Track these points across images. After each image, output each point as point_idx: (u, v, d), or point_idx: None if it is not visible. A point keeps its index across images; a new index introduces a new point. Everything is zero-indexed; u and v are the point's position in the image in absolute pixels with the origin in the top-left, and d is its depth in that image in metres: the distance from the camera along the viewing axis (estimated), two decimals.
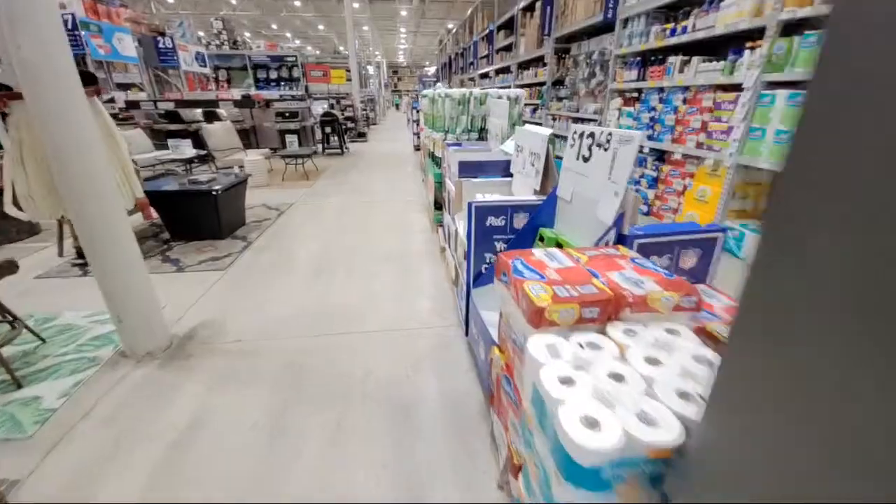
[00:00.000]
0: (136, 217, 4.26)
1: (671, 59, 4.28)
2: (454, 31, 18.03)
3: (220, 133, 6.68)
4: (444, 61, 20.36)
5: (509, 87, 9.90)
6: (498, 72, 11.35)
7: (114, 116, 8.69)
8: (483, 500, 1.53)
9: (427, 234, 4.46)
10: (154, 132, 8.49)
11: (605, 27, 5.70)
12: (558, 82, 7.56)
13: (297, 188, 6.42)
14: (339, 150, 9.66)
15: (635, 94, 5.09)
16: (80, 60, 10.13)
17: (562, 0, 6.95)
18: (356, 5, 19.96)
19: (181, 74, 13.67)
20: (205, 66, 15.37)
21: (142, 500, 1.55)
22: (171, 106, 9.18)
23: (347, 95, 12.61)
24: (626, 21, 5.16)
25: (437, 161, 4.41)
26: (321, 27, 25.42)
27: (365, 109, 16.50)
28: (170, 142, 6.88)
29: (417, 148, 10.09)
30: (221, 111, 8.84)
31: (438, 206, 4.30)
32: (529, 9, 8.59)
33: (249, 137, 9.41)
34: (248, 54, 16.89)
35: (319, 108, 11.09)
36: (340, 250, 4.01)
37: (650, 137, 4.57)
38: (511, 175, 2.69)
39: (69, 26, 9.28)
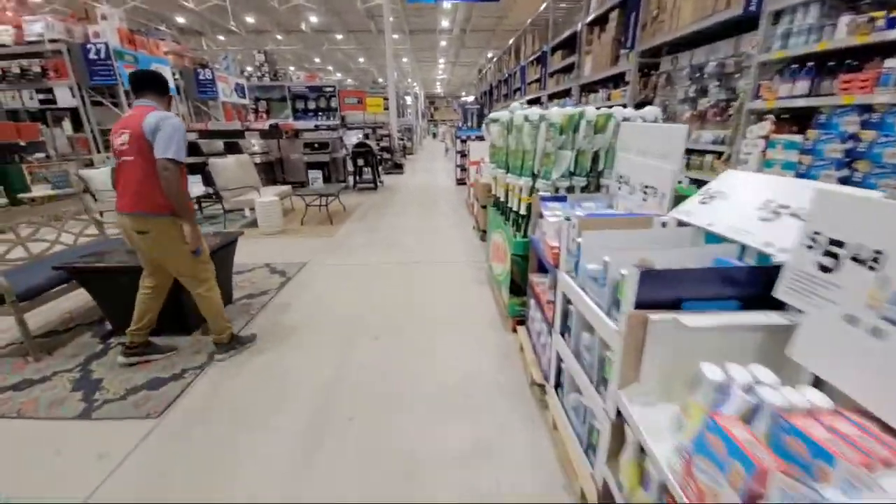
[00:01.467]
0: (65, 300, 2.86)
1: (891, 62, 2.54)
2: (497, 57, 16.87)
3: (231, 168, 5.42)
4: (484, 90, 19.20)
5: None
6: (552, 96, 9.83)
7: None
8: None
9: (498, 331, 2.81)
10: None
11: (716, 33, 4.11)
12: (642, 104, 5.87)
13: (316, 237, 4.99)
14: (372, 185, 8.33)
15: (790, 115, 3.35)
16: (106, 90, 9.46)
17: (654, 3, 5.36)
18: (396, 36, 19.33)
19: (219, 105, 13.02)
20: (244, 97, 14.78)
21: None
22: (194, 136, 8.19)
23: (384, 125, 11.44)
24: (777, 15, 3.48)
25: (508, 214, 2.84)
26: (361, 60, 25.12)
27: (402, 139, 15.40)
28: None
29: (461, 182, 8.63)
30: (250, 142, 7.76)
31: (516, 287, 2.69)
32: (599, 22, 7.06)
33: (275, 171, 8.24)
34: (287, 85, 16.25)
35: (354, 138, 9.91)
36: (366, 379, 2.38)
37: (846, 180, 2.81)
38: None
39: (102, 55, 8.59)
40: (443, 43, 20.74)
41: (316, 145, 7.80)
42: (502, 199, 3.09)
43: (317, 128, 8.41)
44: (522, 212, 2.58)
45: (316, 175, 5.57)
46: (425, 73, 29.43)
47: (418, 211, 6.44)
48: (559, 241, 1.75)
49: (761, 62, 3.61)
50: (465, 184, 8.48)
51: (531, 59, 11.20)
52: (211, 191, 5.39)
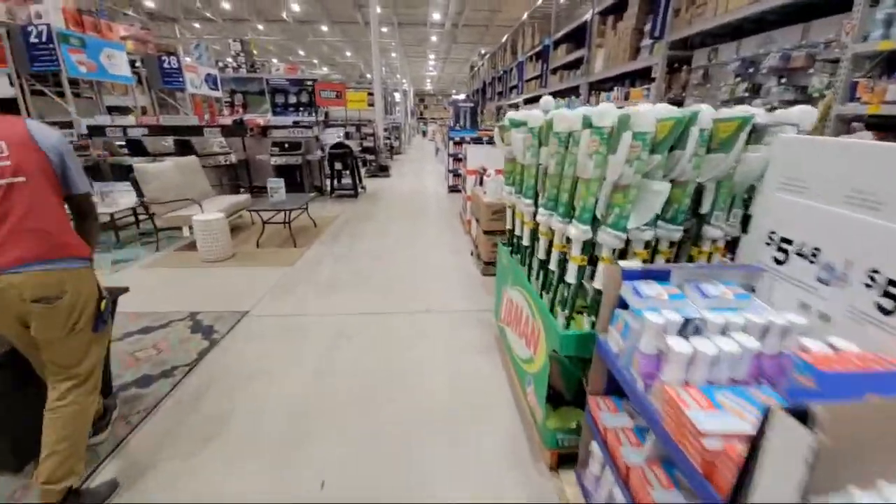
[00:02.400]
0: None
1: None
2: (490, 53, 15.77)
3: (167, 175, 4.22)
4: (476, 87, 18.09)
5: None
6: (556, 95, 8.79)
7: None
8: None
9: (523, 466, 1.71)
10: (112, 168, 6.21)
11: (772, 20, 3.16)
12: (671, 104, 4.85)
13: (271, 265, 3.85)
14: (352, 192, 7.16)
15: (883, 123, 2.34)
16: (48, 77, 8.08)
17: None
18: (384, 29, 18.06)
19: (187, 98, 11.64)
20: (216, 89, 13.38)
21: None
22: (143, 132, 6.92)
23: (369, 123, 10.25)
24: None
25: (540, 271, 1.78)
26: (348, 53, 23.73)
27: (389, 138, 14.21)
28: (98, 186, 4.46)
29: (454, 189, 7.54)
30: (209, 141, 6.52)
31: (556, 395, 1.61)
32: (615, 10, 6.03)
33: (239, 175, 7.02)
34: (265, 77, 14.85)
35: (334, 137, 8.72)
36: None
37: None
38: None
39: (42, 38, 7.23)
40: (433, 38, 19.53)
41: (286, 145, 6.61)
42: (526, 244, 2.01)
43: (295, 125, 7.21)
44: (570, 278, 1.52)
45: (277, 184, 4.39)
46: (415, 69, 28.15)
47: (403, 227, 5.32)
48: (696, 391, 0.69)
49: (862, 54, 2.61)
50: (458, 191, 7.38)
51: (530, 53, 10.12)
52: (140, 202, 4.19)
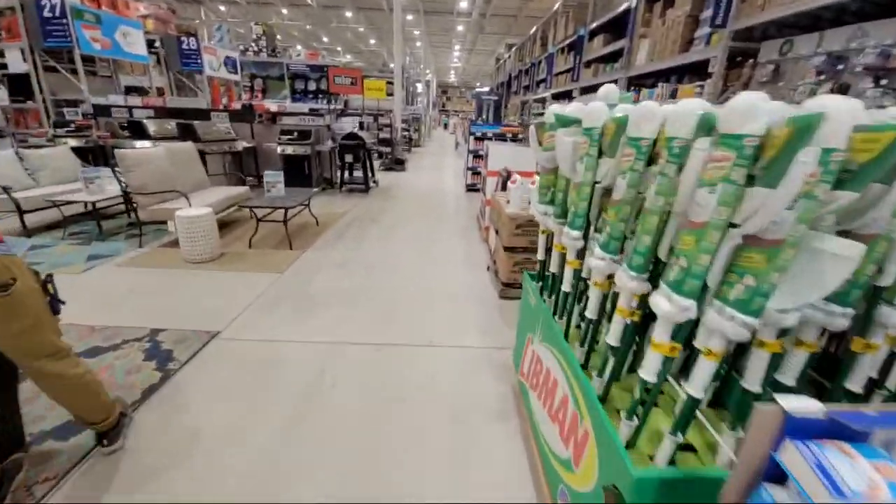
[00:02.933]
0: None
1: None
2: (517, 45, 14.97)
3: (155, 163, 3.76)
4: (501, 80, 17.31)
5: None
6: (585, 90, 8.07)
7: (65, 126, 6.06)
8: None
9: None
10: (113, 151, 5.85)
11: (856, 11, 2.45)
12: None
13: (260, 271, 3.36)
14: (362, 186, 6.65)
15: None
16: (62, 54, 7.79)
17: None
18: (409, 17, 17.40)
19: (205, 80, 11.31)
20: (235, 72, 13.04)
21: None
22: (149, 114, 6.55)
23: (388, 113, 9.71)
24: None
25: (586, 338, 1.22)
26: (373, 41, 23.17)
27: (407, 129, 13.63)
28: (81, 172, 4.04)
29: (472, 189, 6.94)
30: (216, 126, 6.09)
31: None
32: None
33: (245, 164, 6.58)
34: (286, 62, 14.41)
35: (349, 126, 8.22)
36: None
37: None
38: None
39: (56, 13, 6.93)
40: (460, 27, 18.77)
41: (295, 134, 6.12)
42: (567, 290, 1.43)
43: (313, 112, 6.68)
44: (648, 374, 0.95)
45: (274, 178, 3.88)
46: (439, 59, 27.39)
47: (413, 231, 4.78)
48: None
49: None
50: (476, 190, 6.78)
51: (562, 45, 9.35)
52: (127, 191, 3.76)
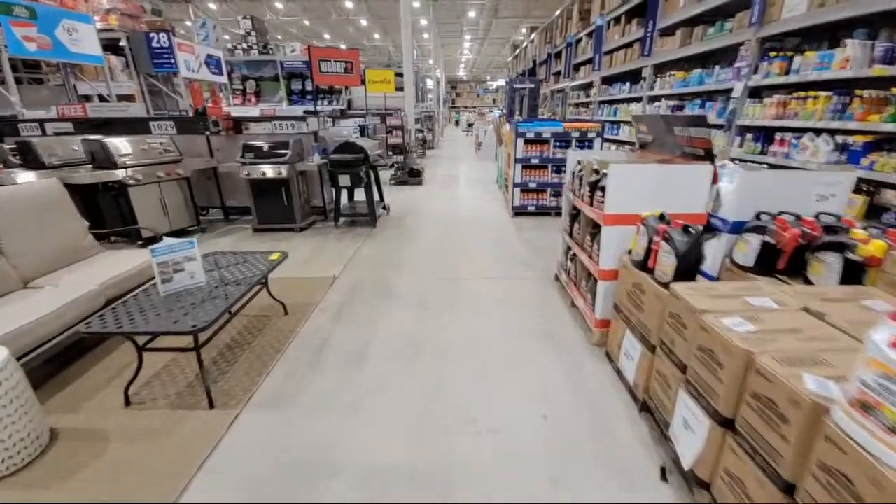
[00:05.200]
0: None
1: None
2: (543, 27, 12.58)
3: None
4: (523, 69, 14.93)
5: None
6: (661, 69, 5.81)
7: None
8: None
9: None
10: None
11: None
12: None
13: None
14: (366, 217, 4.53)
15: None
16: None
17: None
18: (416, 4, 15.15)
19: (182, 83, 9.27)
20: (219, 73, 10.94)
21: None
22: (68, 127, 4.56)
23: (397, 112, 7.55)
24: None
25: None
26: (377, 36, 20.97)
27: (421, 130, 11.45)
28: None
29: (522, 212, 4.76)
30: (158, 141, 4.06)
31: None
32: None
33: (195, 195, 4.52)
34: (279, 60, 12.34)
35: (346, 130, 6.11)
36: None
37: None
38: None
39: None
40: (471, 13, 16.43)
41: (265, 148, 4.03)
42: None
43: (313, 115, 4.55)
44: None
45: (173, 252, 1.79)
46: (447, 52, 25.02)
47: (450, 312, 2.65)
48: None
49: None
50: (528, 214, 4.63)
51: (617, 11, 7.07)
52: None
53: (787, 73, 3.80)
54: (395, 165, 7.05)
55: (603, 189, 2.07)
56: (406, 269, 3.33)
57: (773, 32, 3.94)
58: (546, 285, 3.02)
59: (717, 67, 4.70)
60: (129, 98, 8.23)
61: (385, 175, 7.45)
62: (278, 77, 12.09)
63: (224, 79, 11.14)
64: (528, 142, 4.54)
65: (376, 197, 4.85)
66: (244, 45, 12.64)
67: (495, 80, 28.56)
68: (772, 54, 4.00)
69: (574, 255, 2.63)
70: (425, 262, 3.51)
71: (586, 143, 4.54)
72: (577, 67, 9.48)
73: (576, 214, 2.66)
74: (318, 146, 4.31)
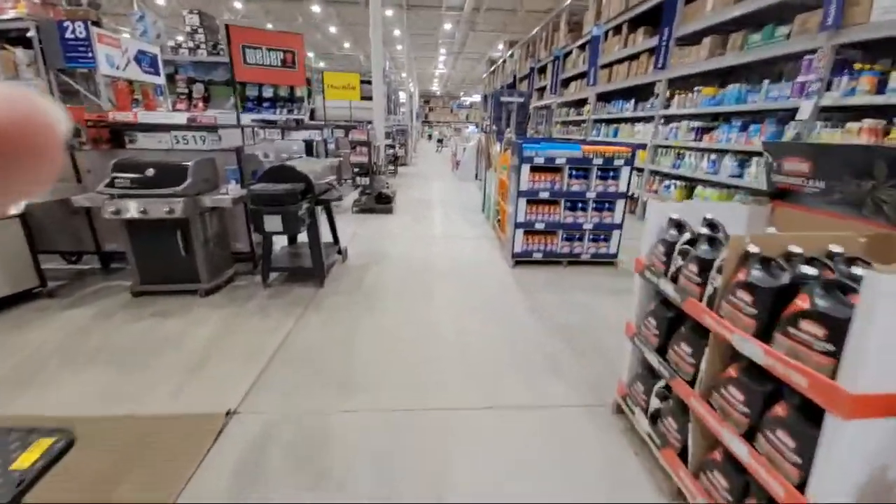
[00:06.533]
0: None
1: None
2: (525, 41, 11.69)
3: None
4: (502, 85, 14.03)
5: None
6: (678, 82, 4.82)
7: None
8: None
9: None
10: None
11: None
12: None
13: None
14: (311, 273, 3.12)
15: None
16: None
17: None
18: (389, 13, 14.00)
19: (101, 82, 7.50)
20: (155, 72, 9.18)
21: None
22: None
23: (361, 125, 6.21)
24: None
25: None
26: (347, 45, 19.66)
27: (392, 146, 10.12)
28: None
29: (525, 259, 3.45)
30: None
31: None
32: None
33: (48, 238, 2.97)
34: (229, 61, 10.57)
35: (298, 146, 4.74)
36: None
37: None
38: None
39: None
40: (447, 25, 15.47)
41: (149, 173, 2.57)
42: None
43: (201, 127, 3.03)
44: None
45: None
46: (421, 65, 24.05)
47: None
48: None
49: None
50: (530, 262, 3.37)
51: (619, 19, 6.12)
52: None
53: (881, 90, 2.79)
54: (361, 189, 5.67)
55: (823, 319, 0.83)
56: (360, 389, 1.96)
57: (856, 39, 2.93)
58: (602, 426, 1.73)
59: (766, 82, 3.67)
60: None
61: (347, 200, 6.05)
62: (231, 81, 10.46)
63: (161, 79, 9.29)
64: (535, 169, 3.32)
65: (328, 238, 3.45)
66: (190, 44, 10.84)
67: (469, 96, 27.83)
68: (857, 66, 2.98)
69: (673, 396, 1.38)
70: (392, 366, 2.15)
71: (611, 174, 3.38)
72: (565, 83, 8.53)
73: (674, 319, 1.41)
74: (236, 171, 2.88)
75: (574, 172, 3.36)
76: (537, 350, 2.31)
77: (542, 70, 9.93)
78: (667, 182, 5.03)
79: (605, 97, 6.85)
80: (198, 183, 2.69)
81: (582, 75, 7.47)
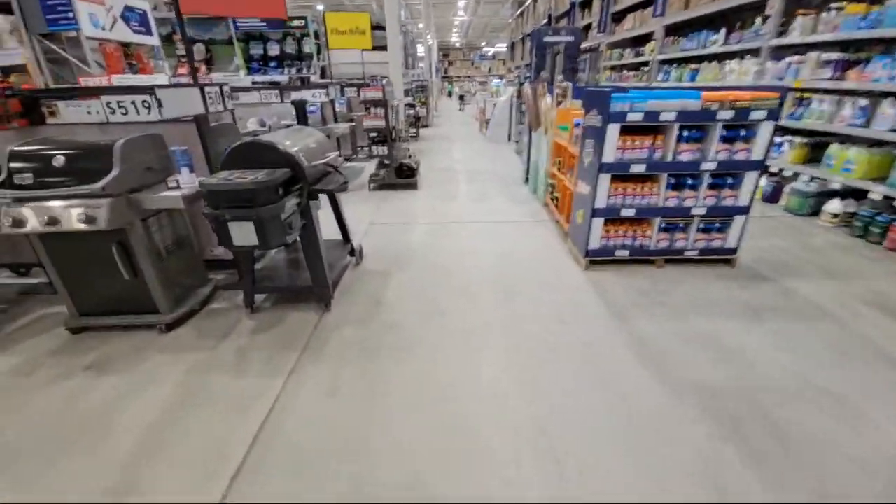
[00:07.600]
0: None
1: None
2: None
3: None
4: (535, 26, 12.11)
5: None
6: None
7: None
8: None
9: None
10: None
11: None
12: None
13: None
14: (310, 289, 2.24)
15: None
16: None
17: None
18: None
19: (85, 44, 6.55)
20: (147, 32, 8.11)
21: None
22: None
23: (375, 79, 5.04)
24: None
25: None
26: None
27: (413, 105, 8.87)
28: None
29: (597, 260, 2.39)
30: None
31: None
32: None
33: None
34: (232, 19, 9.56)
35: (286, 114, 3.73)
36: None
37: None
38: None
39: None
40: None
41: (58, 163, 1.67)
42: None
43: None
44: None
45: None
46: (439, 13, 21.66)
47: None
48: None
49: None
50: (611, 262, 2.34)
51: None
52: None
53: None
54: (378, 160, 4.64)
55: None
56: None
57: None
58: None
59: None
60: (19, 69, 5.54)
61: (364, 174, 5.04)
62: (233, 40, 9.31)
63: (154, 40, 8.18)
64: (626, 130, 2.20)
65: (335, 234, 2.53)
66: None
67: (492, 46, 25.20)
68: None
69: None
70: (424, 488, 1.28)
71: (741, 133, 2.22)
72: (617, 17, 6.91)
73: None
74: (187, 154, 1.94)
75: (685, 134, 2.23)
76: (678, 451, 1.36)
77: (587, 4, 8.20)
78: (777, 138, 3.74)
79: (675, 30, 5.35)
80: (131, 173, 1.78)
81: (643, 4, 5.90)
